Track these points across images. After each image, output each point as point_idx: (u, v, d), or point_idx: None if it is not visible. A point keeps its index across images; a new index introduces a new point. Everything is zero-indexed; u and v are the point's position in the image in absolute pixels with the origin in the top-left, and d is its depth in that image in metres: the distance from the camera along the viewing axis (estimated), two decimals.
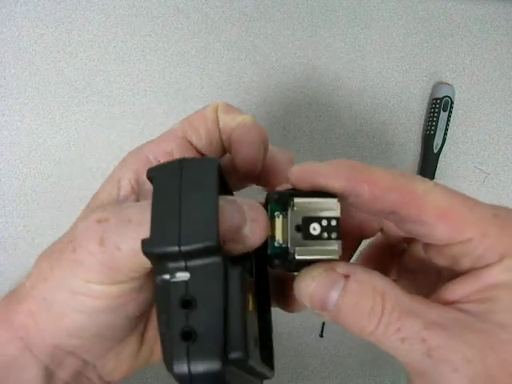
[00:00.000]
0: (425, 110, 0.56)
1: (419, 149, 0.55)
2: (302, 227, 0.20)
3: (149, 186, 0.22)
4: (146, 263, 0.19)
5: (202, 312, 0.18)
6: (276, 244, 0.21)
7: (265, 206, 0.21)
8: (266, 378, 0.23)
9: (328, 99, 0.54)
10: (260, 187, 0.27)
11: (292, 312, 0.27)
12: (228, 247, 0.19)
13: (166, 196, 0.19)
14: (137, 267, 0.19)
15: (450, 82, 0.55)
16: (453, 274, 0.20)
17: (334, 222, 0.20)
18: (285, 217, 0.21)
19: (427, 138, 0.54)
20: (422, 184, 0.19)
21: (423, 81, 0.56)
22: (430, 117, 0.54)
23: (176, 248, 0.18)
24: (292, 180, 0.21)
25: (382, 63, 0.55)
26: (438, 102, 0.54)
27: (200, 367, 0.17)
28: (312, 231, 0.20)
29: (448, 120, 0.54)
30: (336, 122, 0.54)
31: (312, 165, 0.21)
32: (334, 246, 0.20)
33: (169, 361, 0.18)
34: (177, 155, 0.24)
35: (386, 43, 0.55)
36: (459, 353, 0.18)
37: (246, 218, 0.19)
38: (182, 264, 0.18)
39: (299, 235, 0.20)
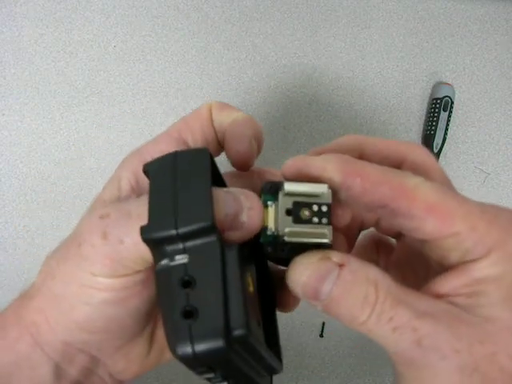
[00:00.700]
0: (425, 110, 0.56)
1: None
2: (293, 211, 0.21)
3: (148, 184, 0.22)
4: (149, 255, 0.19)
5: (202, 290, 0.18)
6: (268, 232, 0.21)
7: (259, 196, 0.22)
8: (275, 370, 0.23)
9: (328, 99, 0.54)
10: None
11: (285, 312, 0.27)
12: (227, 236, 0.20)
13: (161, 185, 0.20)
14: (140, 260, 0.20)
15: (450, 82, 0.55)
16: (442, 269, 0.20)
17: (324, 208, 0.21)
18: (277, 205, 0.21)
19: (427, 138, 0.54)
20: (412, 179, 0.20)
21: (423, 81, 0.56)
22: (430, 117, 0.54)
23: (173, 231, 0.18)
24: (285, 173, 0.22)
25: (382, 63, 0.55)
26: (438, 102, 0.54)
27: (203, 346, 0.17)
28: (302, 216, 0.20)
29: (448, 120, 0.54)
30: (336, 121, 0.54)
31: (304, 158, 0.21)
32: (324, 230, 0.20)
33: (172, 343, 0.17)
34: None
35: (386, 43, 0.55)
36: (448, 343, 0.18)
37: (243, 206, 0.20)
38: (180, 246, 0.19)
39: (289, 219, 0.20)
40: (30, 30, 0.48)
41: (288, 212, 0.21)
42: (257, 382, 0.22)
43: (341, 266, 0.19)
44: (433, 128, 0.54)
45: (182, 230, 0.18)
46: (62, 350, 0.22)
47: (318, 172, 0.20)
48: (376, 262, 0.28)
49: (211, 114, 0.25)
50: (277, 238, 0.21)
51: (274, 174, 0.26)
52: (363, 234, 0.28)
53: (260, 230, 0.21)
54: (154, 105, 0.50)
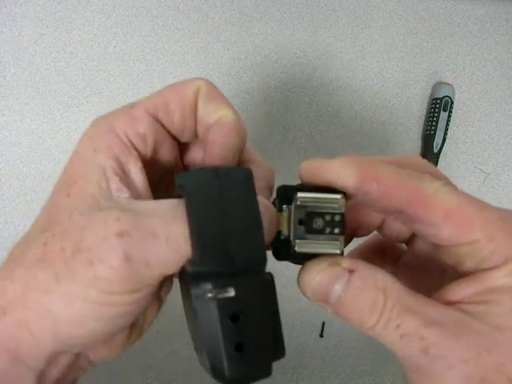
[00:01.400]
0: (425, 110, 0.56)
1: (419, 149, 0.55)
2: (305, 221, 0.21)
3: (135, 175, 0.22)
4: (171, 271, 0.19)
5: (250, 324, 0.19)
6: (282, 237, 0.21)
7: (274, 199, 0.22)
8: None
9: (328, 99, 0.54)
10: None
11: None
12: None
13: (205, 210, 0.18)
14: (161, 277, 0.19)
15: (450, 82, 0.55)
16: (456, 274, 0.20)
17: (337, 218, 0.21)
18: (290, 211, 0.21)
19: (427, 138, 0.54)
20: (431, 184, 0.19)
21: (423, 81, 0.56)
22: (430, 117, 0.54)
23: (226, 269, 0.18)
24: (302, 175, 0.21)
25: (382, 63, 0.55)
26: (438, 102, 0.54)
27: (254, 374, 0.19)
28: (315, 225, 0.21)
29: (448, 120, 0.54)
30: (336, 121, 0.54)
31: (321, 161, 0.21)
32: (336, 241, 0.21)
33: (220, 371, 0.19)
34: (149, 139, 0.23)
35: (386, 43, 0.55)
36: (456, 352, 0.18)
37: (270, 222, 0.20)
38: (227, 281, 0.19)
39: (302, 229, 0.21)
40: (30, 29, 0.48)
41: (300, 222, 0.21)
42: None
43: (351, 271, 0.20)
44: (433, 128, 0.54)
45: (235, 270, 0.18)
46: (47, 358, 0.20)
47: (334, 177, 0.20)
48: (381, 266, 0.28)
49: (196, 101, 0.23)
50: (289, 244, 0.21)
51: (261, 165, 0.25)
52: (368, 237, 0.28)
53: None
54: None
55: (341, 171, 0.20)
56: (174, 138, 0.25)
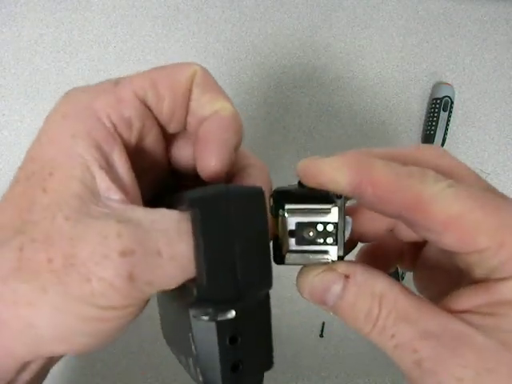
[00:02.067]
0: (425, 110, 0.56)
1: None
2: (296, 232, 0.20)
3: (120, 169, 0.19)
4: (170, 288, 0.18)
5: (248, 344, 0.19)
6: (279, 241, 0.21)
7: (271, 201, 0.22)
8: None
9: (328, 99, 0.54)
10: None
11: None
12: None
13: (214, 234, 0.18)
14: (158, 291, 0.18)
15: (449, 82, 0.55)
16: (467, 280, 0.19)
17: (330, 228, 0.20)
18: (283, 217, 0.21)
19: (427, 138, 0.54)
20: (433, 185, 0.18)
21: (423, 81, 0.56)
22: (430, 117, 0.54)
23: (234, 295, 0.18)
24: (299, 175, 0.20)
25: (381, 63, 0.55)
26: (438, 102, 0.54)
27: None
28: (306, 236, 0.20)
29: (448, 120, 0.54)
30: (336, 121, 0.54)
31: (315, 162, 0.19)
32: (328, 253, 0.20)
33: None
34: (135, 126, 0.20)
35: (385, 43, 0.55)
36: (449, 369, 0.17)
37: None
38: (230, 305, 0.18)
39: (293, 240, 0.20)
40: (30, 30, 0.48)
41: (291, 233, 0.20)
42: None
43: (346, 277, 0.19)
44: (433, 128, 0.54)
45: (243, 295, 0.18)
46: (19, 368, 0.18)
47: (327, 181, 0.19)
48: (389, 266, 0.27)
49: (190, 88, 0.20)
50: (282, 251, 0.21)
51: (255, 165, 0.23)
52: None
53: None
54: None
55: (333, 174, 0.19)
56: (161, 127, 0.21)
